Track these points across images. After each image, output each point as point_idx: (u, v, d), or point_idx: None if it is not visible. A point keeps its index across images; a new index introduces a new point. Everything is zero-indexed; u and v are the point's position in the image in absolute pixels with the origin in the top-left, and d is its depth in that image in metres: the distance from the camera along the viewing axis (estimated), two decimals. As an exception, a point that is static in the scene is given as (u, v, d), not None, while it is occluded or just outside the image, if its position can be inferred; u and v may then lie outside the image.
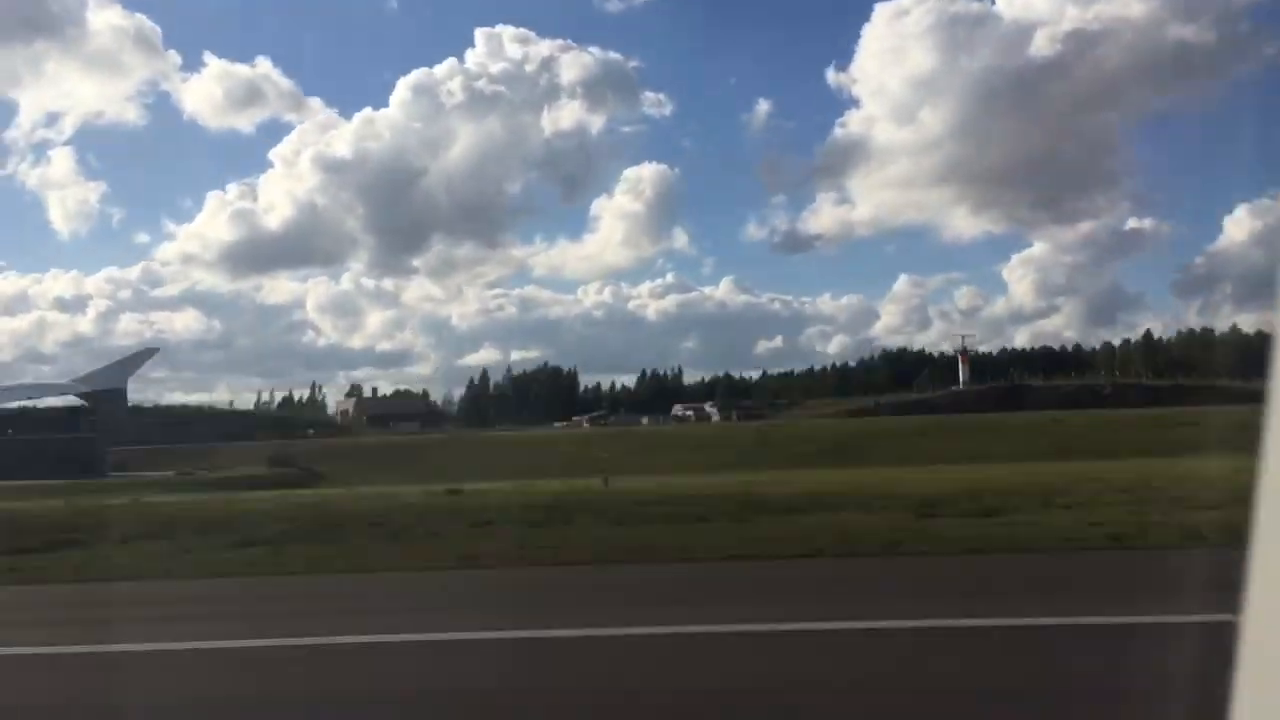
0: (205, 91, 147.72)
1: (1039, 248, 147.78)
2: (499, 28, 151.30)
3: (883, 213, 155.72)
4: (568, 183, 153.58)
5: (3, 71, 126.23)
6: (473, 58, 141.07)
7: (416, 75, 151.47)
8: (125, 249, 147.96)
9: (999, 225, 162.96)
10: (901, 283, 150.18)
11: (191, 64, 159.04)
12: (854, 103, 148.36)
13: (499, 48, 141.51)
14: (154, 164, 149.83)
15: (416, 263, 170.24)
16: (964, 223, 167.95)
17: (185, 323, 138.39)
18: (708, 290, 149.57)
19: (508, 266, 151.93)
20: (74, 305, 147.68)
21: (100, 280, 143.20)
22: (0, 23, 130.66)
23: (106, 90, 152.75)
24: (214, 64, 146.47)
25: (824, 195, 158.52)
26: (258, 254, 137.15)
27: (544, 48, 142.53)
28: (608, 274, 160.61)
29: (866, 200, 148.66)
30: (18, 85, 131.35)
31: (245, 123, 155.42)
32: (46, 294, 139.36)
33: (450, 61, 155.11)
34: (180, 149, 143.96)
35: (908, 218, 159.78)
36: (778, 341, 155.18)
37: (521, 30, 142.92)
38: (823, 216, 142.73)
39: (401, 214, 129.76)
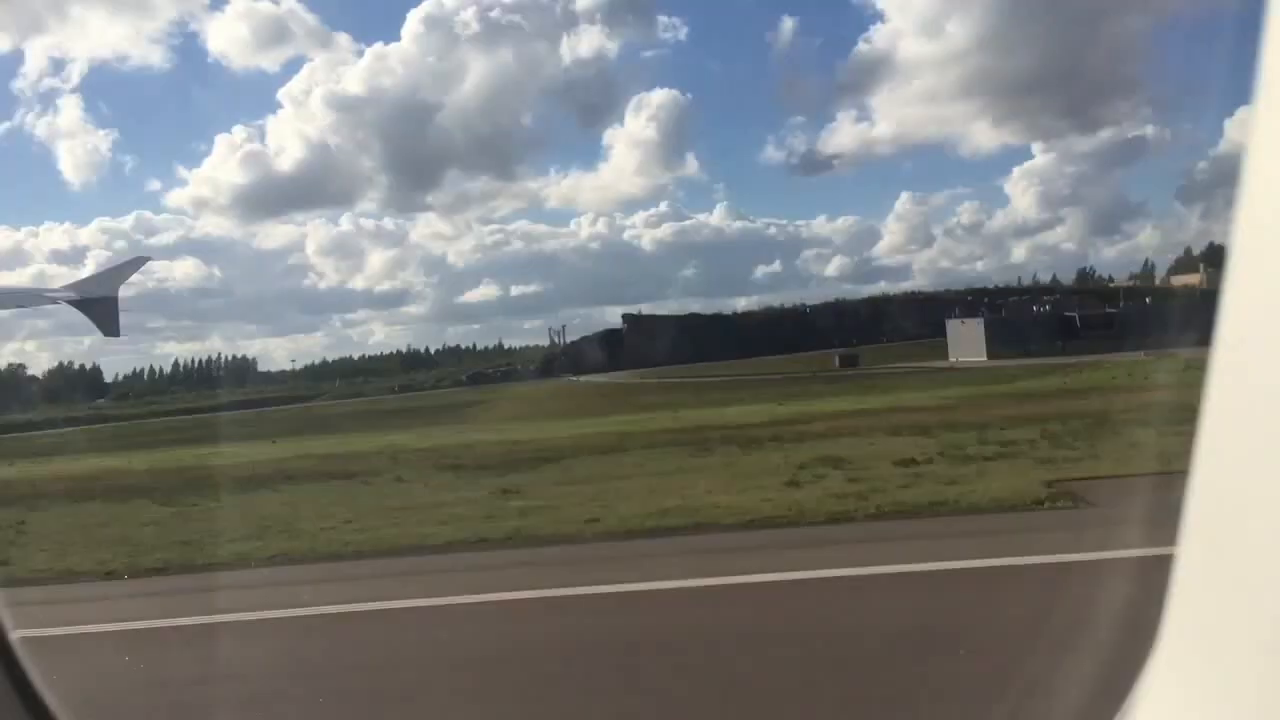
0: (232, 31, 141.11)
1: (1041, 159, 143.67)
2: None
3: (904, 129, 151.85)
4: (582, 111, 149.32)
5: (24, 15, 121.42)
6: None
7: (427, 6, 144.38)
8: (138, 197, 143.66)
9: (1018, 137, 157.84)
10: (904, 201, 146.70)
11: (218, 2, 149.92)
12: (878, 17, 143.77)
13: None
14: (173, 108, 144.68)
15: (429, 199, 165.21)
16: (984, 136, 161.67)
17: (185, 270, 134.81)
18: (702, 217, 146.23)
19: (521, 200, 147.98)
20: (72, 257, 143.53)
21: (94, 230, 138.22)
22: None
23: (133, 32, 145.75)
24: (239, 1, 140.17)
25: (844, 114, 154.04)
26: (268, 197, 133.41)
27: None
28: (621, 204, 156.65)
29: (887, 117, 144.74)
30: (40, 29, 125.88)
31: (271, 62, 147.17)
32: (42, 246, 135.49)
33: None
34: (203, 92, 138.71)
35: (928, 133, 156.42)
36: (776, 266, 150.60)
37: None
38: (842, 135, 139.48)
39: (415, 150, 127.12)
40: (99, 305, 15.62)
